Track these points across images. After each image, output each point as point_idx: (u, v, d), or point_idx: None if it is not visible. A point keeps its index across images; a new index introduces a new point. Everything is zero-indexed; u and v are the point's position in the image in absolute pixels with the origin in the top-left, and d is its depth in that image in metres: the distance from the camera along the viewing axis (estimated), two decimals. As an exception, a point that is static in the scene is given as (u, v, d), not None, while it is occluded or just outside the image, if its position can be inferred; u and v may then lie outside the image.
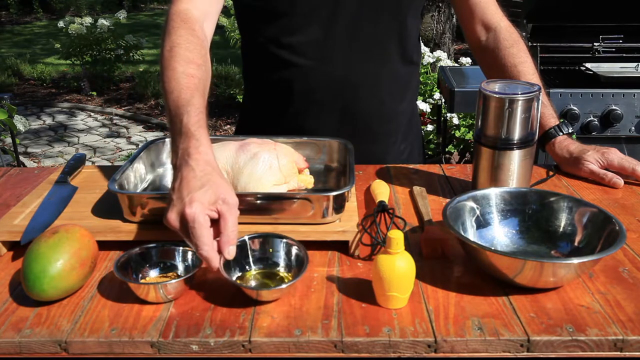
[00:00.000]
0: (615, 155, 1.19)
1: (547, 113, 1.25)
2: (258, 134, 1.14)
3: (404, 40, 1.29)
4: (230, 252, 0.81)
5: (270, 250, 0.89)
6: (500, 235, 0.96)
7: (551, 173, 1.24)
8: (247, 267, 0.88)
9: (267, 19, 1.25)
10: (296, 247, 0.88)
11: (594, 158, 1.19)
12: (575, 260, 0.79)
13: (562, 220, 0.94)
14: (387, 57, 1.29)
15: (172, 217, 0.81)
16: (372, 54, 1.27)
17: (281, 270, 0.88)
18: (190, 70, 1.00)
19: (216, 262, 0.80)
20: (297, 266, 0.86)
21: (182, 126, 0.90)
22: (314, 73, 1.26)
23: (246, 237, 0.88)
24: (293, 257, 0.88)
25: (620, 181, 1.17)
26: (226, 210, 0.82)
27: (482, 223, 0.96)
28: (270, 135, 1.15)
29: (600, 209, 0.91)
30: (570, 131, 1.25)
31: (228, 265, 0.84)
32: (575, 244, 0.91)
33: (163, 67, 1.02)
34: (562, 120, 1.26)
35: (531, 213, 0.97)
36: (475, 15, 1.35)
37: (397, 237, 0.78)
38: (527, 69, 1.27)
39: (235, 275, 0.86)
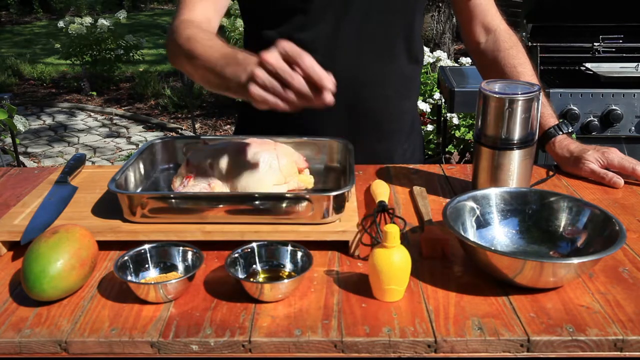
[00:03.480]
0: (615, 154, 1.19)
1: (546, 113, 1.25)
2: (261, 133, 1.14)
3: (411, 39, 1.31)
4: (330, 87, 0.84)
5: (277, 257, 0.89)
6: (500, 235, 0.96)
7: (551, 173, 1.24)
8: (253, 273, 0.88)
9: (278, 15, 1.26)
10: (301, 252, 0.88)
11: (594, 157, 1.19)
12: (575, 260, 0.79)
13: (562, 220, 0.94)
14: (394, 55, 1.30)
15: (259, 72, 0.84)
16: (380, 53, 1.28)
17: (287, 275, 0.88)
18: (215, 38, 1.07)
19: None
20: (302, 271, 0.86)
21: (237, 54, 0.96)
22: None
23: (254, 245, 0.89)
24: (299, 263, 0.88)
25: (620, 181, 1.17)
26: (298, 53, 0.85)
27: (482, 223, 0.96)
28: (273, 134, 1.15)
29: (600, 209, 0.91)
30: (570, 130, 1.25)
31: (235, 270, 0.84)
32: (575, 244, 0.91)
33: (187, 49, 1.07)
34: (561, 120, 1.26)
35: (531, 213, 0.97)
36: (475, 17, 1.36)
37: (393, 231, 0.79)
38: (526, 70, 1.28)
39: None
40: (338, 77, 1.29)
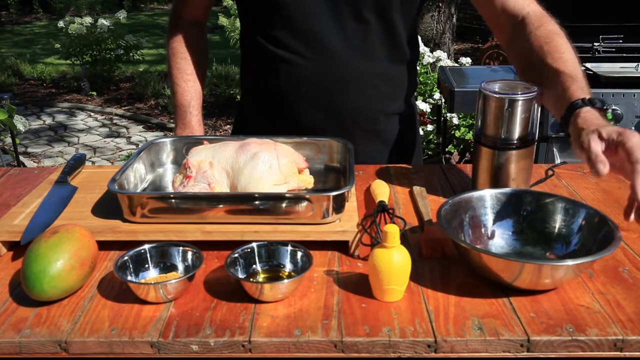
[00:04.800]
0: (636, 138, 0.84)
1: (574, 87, 0.98)
2: (255, 129, 1.15)
3: (393, 38, 1.28)
4: None
5: (277, 257, 0.89)
6: (496, 236, 0.95)
7: (550, 173, 1.24)
8: (253, 273, 0.88)
9: (259, 12, 1.27)
10: (301, 252, 0.88)
11: (604, 131, 0.86)
12: (571, 262, 0.79)
13: (557, 222, 0.94)
14: (374, 54, 1.28)
15: None
16: (359, 51, 1.26)
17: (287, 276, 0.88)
18: (185, 77, 1.41)
19: None
20: (302, 271, 0.86)
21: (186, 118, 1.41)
22: (301, 68, 1.27)
23: (254, 245, 0.89)
24: (299, 263, 0.88)
25: (603, 169, 0.83)
26: None
27: (477, 224, 0.95)
28: (266, 131, 1.16)
29: (595, 210, 0.91)
30: (604, 108, 0.94)
31: (235, 270, 0.84)
32: (571, 245, 0.91)
33: (168, 67, 1.44)
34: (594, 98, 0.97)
35: (526, 214, 0.96)
36: (495, 7, 1.19)
37: (393, 231, 0.79)
38: (555, 47, 1.07)
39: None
40: (317, 74, 1.29)
